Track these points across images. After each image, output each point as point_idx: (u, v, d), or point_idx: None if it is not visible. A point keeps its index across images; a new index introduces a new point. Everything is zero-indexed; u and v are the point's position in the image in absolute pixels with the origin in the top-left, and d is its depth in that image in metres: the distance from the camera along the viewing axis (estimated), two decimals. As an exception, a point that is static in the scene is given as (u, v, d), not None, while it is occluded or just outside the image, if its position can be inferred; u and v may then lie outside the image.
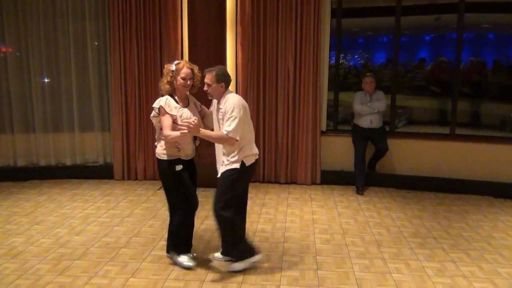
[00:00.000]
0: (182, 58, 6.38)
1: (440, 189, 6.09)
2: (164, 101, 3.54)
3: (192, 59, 6.01)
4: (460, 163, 6.08)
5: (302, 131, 6.29)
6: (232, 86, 6.35)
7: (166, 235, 4.09)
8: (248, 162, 3.56)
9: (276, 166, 6.43)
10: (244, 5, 6.15)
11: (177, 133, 3.38)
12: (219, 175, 3.63)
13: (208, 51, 5.92)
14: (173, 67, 3.57)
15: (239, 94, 6.29)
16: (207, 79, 3.55)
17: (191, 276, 3.59)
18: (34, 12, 6.44)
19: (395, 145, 6.20)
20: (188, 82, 3.57)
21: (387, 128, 6.35)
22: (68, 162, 6.74)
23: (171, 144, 3.57)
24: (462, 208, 5.43)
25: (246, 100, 3.75)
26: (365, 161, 6.10)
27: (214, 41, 5.96)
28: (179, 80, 3.54)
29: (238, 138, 3.44)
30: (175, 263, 3.77)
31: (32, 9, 6.42)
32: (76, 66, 6.59)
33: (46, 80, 6.60)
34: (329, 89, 6.46)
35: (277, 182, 6.45)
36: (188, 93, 3.69)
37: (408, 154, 6.28)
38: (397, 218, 5.05)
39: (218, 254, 3.86)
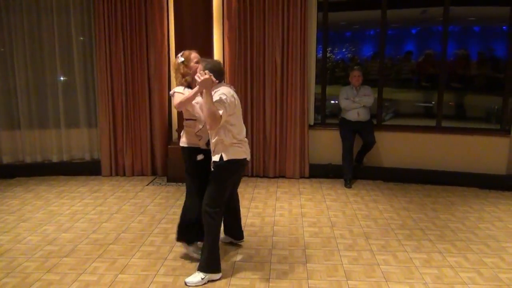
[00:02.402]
0: (168, 52, 6.35)
1: (426, 181, 6.16)
2: (179, 88, 3.60)
3: (179, 53, 5.99)
4: (446, 155, 6.16)
5: (290, 125, 6.30)
6: (219, 81, 6.36)
7: (156, 230, 4.11)
8: (226, 157, 3.39)
9: (264, 160, 6.44)
10: (230, -1, 6.13)
11: (187, 93, 3.45)
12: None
13: (195, 45, 5.75)
14: (182, 59, 3.65)
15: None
16: (200, 69, 3.42)
17: (180, 271, 3.59)
18: (17, 7, 6.32)
19: (382, 138, 6.25)
20: (198, 65, 3.61)
21: (375, 121, 6.40)
22: (55, 158, 6.66)
23: (192, 133, 3.60)
24: (448, 200, 5.50)
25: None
26: (352, 154, 6.14)
27: (201, 35, 5.92)
28: (194, 65, 3.63)
29: (221, 114, 3.23)
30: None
31: (15, 3, 6.31)
32: (61, 61, 6.50)
33: (30, 76, 6.49)
34: (316, 83, 6.49)
35: (265, 176, 6.47)
36: None
37: (395, 147, 6.33)
38: (384, 210, 5.10)
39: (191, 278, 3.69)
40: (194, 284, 3.37)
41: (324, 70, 6.61)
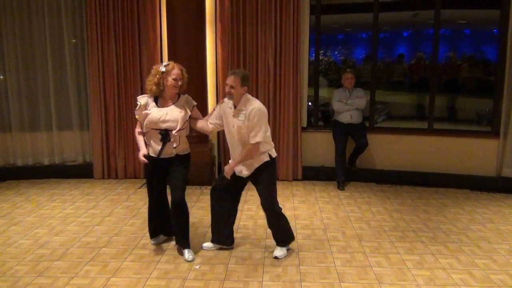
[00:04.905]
0: (161, 55, 6.34)
1: (418, 183, 6.19)
2: (142, 98, 3.77)
3: (171, 56, 5.97)
4: (438, 157, 6.19)
5: (283, 127, 6.31)
6: (212, 83, 6.38)
7: (147, 233, 4.10)
8: (273, 154, 3.77)
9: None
10: (223, 1, 6.13)
11: (141, 150, 3.75)
12: (245, 174, 3.77)
13: (187, 48, 5.87)
14: (163, 69, 3.66)
15: (219, 92, 6.32)
16: (231, 82, 3.61)
17: (173, 274, 3.58)
18: (8, 8, 6.27)
19: (374, 140, 6.28)
20: (179, 83, 3.68)
21: (367, 124, 6.42)
22: (46, 161, 6.61)
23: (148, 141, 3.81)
24: (440, 202, 5.53)
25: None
26: (345, 157, 6.16)
27: (194, 37, 5.92)
28: (170, 81, 3.65)
29: (261, 140, 3.62)
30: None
31: (6, 4, 6.26)
32: (53, 63, 6.46)
33: (22, 78, 6.44)
34: (309, 85, 6.50)
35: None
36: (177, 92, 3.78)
37: (388, 149, 6.36)
38: (377, 212, 5.11)
39: (278, 252, 3.93)
40: (283, 255, 3.88)
41: (316, 72, 6.62)
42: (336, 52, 8.88)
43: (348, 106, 6.00)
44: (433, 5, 6.17)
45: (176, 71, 3.67)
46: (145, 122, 3.68)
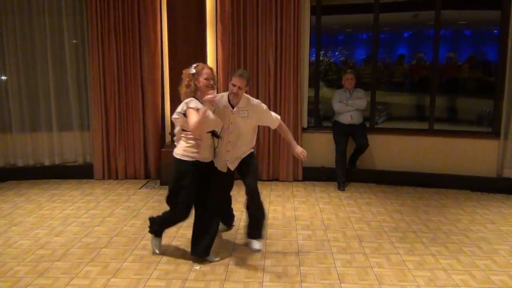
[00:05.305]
0: (162, 55, 6.35)
1: (419, 183, 6.19)
2: (191, 101, 3.58)
3: (172, 56, 5.98)
4: (438, 158, 6.19)
5: (284, 128, 6.30)
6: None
7: (148, 234, 4.09)
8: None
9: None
10: (224, 2, 6.13)
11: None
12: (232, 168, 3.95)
13: (188, 48, 5.87)
14: (193, 70, 3.65)
15: (220, 92, 6.31)
16: (239, 83, 3.72)
17: (173, 275, 3.58)
18: (8, 8, 6.28)
19: (375, 141, 6.27)
20: (211, 82, 3.67)
21: (367, 124, 6.42)
22: (47, 162, 6.61)
23: (192, 144, 3.66)
24: (440, 202, 5.53)
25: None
26: (346, 157, 6.16)
27: (194, 38, 5.91)
28: (202, 81, 3.63)
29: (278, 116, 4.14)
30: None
31: (7, 4, 6.27)
32: (54, 63, 6.46)
33: (22, 78, 6.44)
34: (310, 86, 6.50)
35: (259, 179, 6.45)
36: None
37: (388, 150, 6.36)
38: (377, 213, 5.11)
39: (256, 243, 4.07)
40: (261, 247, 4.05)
41: (317, 73, 6.62)
42: (337, 53, 8.88)
43: (349, 107, 6.00)
44: (433, 5, 6.18)
45: (206, 70, 3.67)
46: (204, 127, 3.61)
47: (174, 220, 3.90)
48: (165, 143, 6.41)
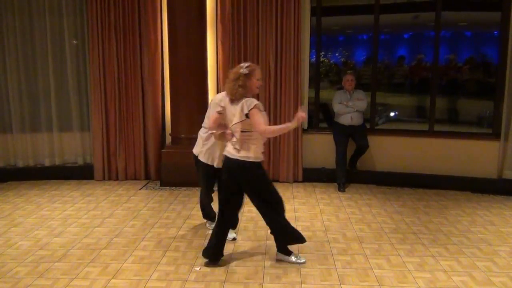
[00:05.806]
0: (162, 55, 6.35)
1: (419, 185, 6.18)
2: (256, 102, 3.54)
3: (172, 57, 5.99)
4: (438, 159, 6.19)
5: (284, 129, 6.30)
6: (213, 84, 6.38)
7: (149, 234, 4.08)
8: None
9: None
10: (224, 2, 6.13)
11: (282, 126, 3.72)
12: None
13: (188, 49, 5.88)
14: (246, 71, 3.56)
15: (220, 93, 6.30)
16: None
17: (174, 276, 3.58)
18: (9, 8, 6.27)
19: (375, 142, 6.27)
20: (261, 83, 3.67)
21: (368, 126, 6.42)
22: (47, 162, 6.61)
23: (259, 146, 3.63)
24: (441, 204, 5.53)
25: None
26: (346, 159, 6.15)
27: (195, 38, 5.92)
28: (255, 82, 3.59)
29: None
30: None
31: (7, 5, 6.27)
32: (54, 64, 6.45)
33: (23, 79, 6.44)
34: (309, 87, 6.50)
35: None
36: None
37: (388, 151, 6.36)
38: (378, 214, 5.11)
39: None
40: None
41: (317, 74, 6.62)
42: (337, 54, 8.88)
43: (349, 108, 6.00)
44: (433, 7, 6.18)
45: (259, 71, 3.64)
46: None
47: (284, 212, 3.87)
48: (165, 144, 6.41)
